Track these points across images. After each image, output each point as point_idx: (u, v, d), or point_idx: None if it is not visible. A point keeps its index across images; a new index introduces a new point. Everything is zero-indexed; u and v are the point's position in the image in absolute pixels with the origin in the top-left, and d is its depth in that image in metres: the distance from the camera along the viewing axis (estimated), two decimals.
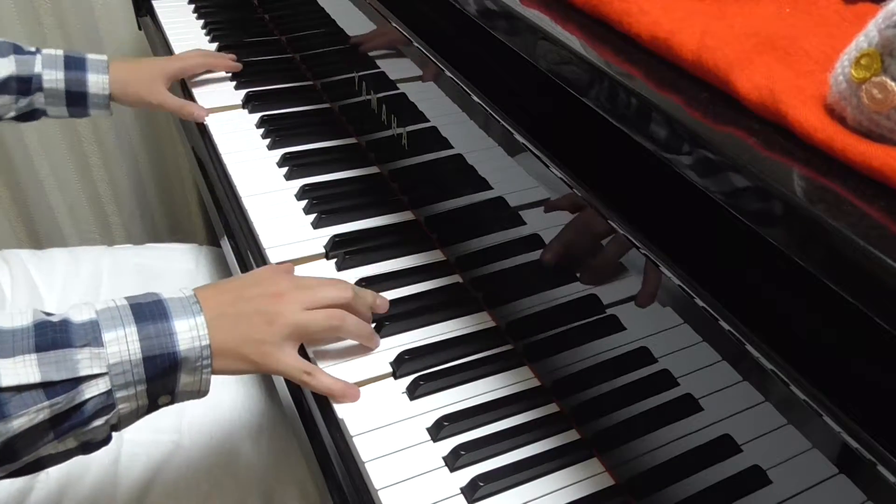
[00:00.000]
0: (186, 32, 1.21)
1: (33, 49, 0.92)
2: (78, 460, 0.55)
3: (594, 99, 0.48)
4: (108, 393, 0.53)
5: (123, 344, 0.53)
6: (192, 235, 1.71)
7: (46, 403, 0.50)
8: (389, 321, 0.70)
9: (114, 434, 0.57)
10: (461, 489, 0.58)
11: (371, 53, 0.86)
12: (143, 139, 1.54)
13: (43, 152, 1.46)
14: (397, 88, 0.81)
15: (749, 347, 0.41)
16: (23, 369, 0.50)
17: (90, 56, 0.95)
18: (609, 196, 0.51)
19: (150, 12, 1.28)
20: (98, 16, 1.37)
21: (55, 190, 1.51)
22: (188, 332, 0.56)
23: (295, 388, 0.70)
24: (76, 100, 0.94)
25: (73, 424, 0.52)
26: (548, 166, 0.56)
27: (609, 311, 0.56)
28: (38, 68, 0.91)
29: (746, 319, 0.42)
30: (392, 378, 0.66)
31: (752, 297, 0.42)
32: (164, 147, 1.57)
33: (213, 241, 1.17)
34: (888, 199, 0.35)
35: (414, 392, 0.64)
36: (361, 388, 0.64)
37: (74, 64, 0.93)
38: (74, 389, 0.51)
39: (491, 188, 0.69)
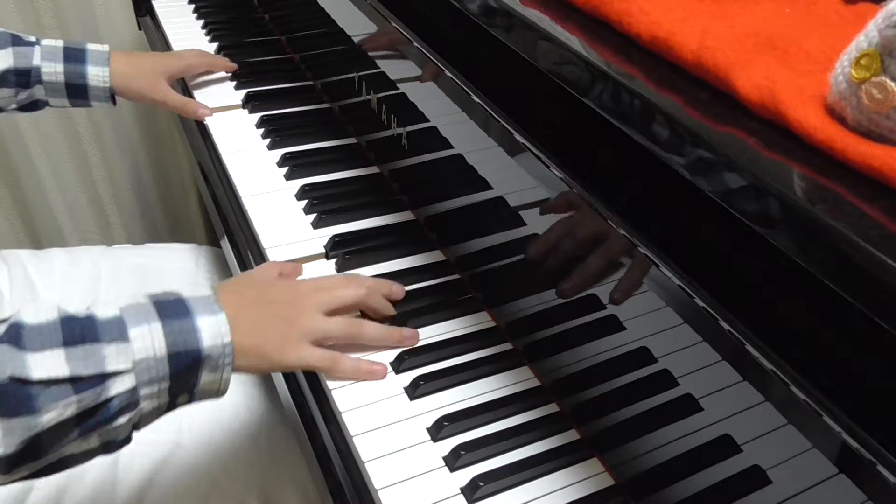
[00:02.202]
0: (186, 32, 1.21)
1: (33, 39, 0.91)
2: None
3: (594, 99, 0.48)
4: (133, 390, 0.52)
5: (148, 340, 0.53)
6: (192, 235, 1.71)
7: (74, 398, 0.50)
8: (389, 321, 0.70)
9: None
10: (461, 489, 0.58)
11: (371, 53, 0.86)
12: (143, 139, 1.54)
13: (43, 152, 1.45)
14: (397, 88, 0.81)
15: (749, 347, 0.41)
16: (52, 363, 0.49)
17: (90, 47, 0.93)
18: (609, 196, 0.51)
19: (150, 12, 1.28)
20: (98, 16, 1.37)
21: (55, 190, 1.51)
22: (211, 330, 0.56)
23: (295, 388, 0.70)
24: (77, 92, 0.93)
25: (99, 421, 0.52)
26: (548, 166, 0.56)
27: (609, 311, 0.56)
28: (36, 60, 0.89)
29: (746, 319, 0.42)
30: (392, 378, 0.66)
31: (752, 297, 0.42)
32: (164, 147, 1.57)
33: (213, 241, 1.17)
34: (888, 199, 0.35)
35: (414, 392, 0.64)
36: (361, 389, 0.65)
37: (74, 56, 0.92)
38: (101, 385, 0.51)
39: (491, 188, 0.69)
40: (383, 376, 0.65)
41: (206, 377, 0.57)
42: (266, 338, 0.61)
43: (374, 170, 0.92)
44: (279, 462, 0.83)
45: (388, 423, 0.62)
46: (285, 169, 0.91)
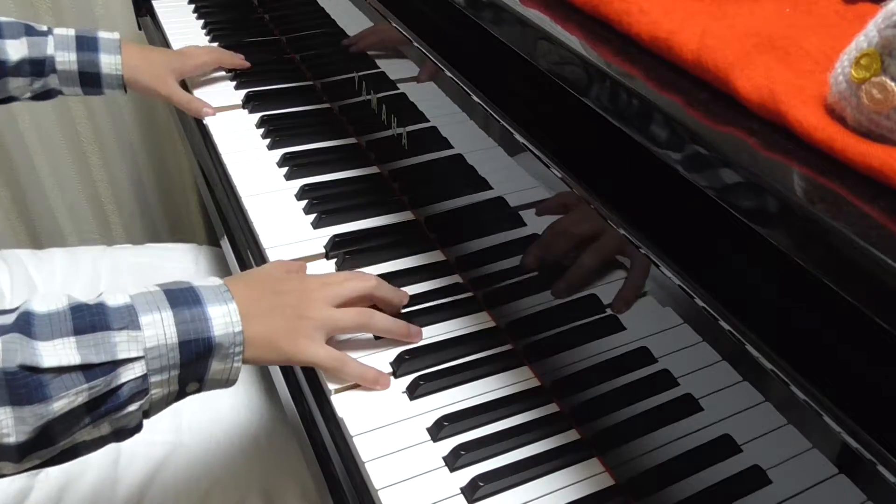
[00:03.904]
0: (186, 32, 1.21)
1: (45, 28, 0.91)
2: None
3: (594, 99, 0.48)
4: (144, 377, 0.53)
5: (160, 328, 0.53)
6: (191, 235, 1.71)
7: (85, 386, 0.50)
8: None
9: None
10: (461, 489, 0.58)
11: (371, 53, 0.86)
12: (143, 139, 1.54)
13: (43, 152, 1.45)
14: (397, 88, 0.81)
15: (749, 347, 0.41)
16: (63, 351, 0.50)
17: (101, 35, 0.94)
18: (609, 196, 0.51)
19: (150, 12, 1.28)
20: (98, 16, 1.37)
21: (55, 190, 1.51)
22: (222, 318, 0.56)
23: (295, 388, 0.70)
24: (90, 80, 0.94)
25: (109, 409, 0.52)
26: (548, 166, 0.56)
27: (609, 311, 0.56)
28: (50, 50, 0.90)
29: (746, 319, 0.42)
30: (392, 378, 0.66)
31: (752, 297, 0.42)
32: (164, 147, 1.57)
33: (213, 241, 1.17)
34: (888, 199, 0.35)
35: (414, 392, 0.64)
36: (361, 389, 0.65)
37: (87, 44, 0.92)
38: (112, 373, 0.51)
39: (491, 188, 0.69)
40: (387, 386, 0.65)
41: (216, 366, 0.57)
42: (276, 329, 0.61)
43: (374, 170, 0.92)
44: (279, 462, 0.83)
45: (388, 423, 0.62)
46: (285, 169, 0.91)
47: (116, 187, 1.57)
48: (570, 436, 0.62)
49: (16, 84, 0.90)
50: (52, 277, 0.97)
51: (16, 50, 0.88)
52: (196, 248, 1.09)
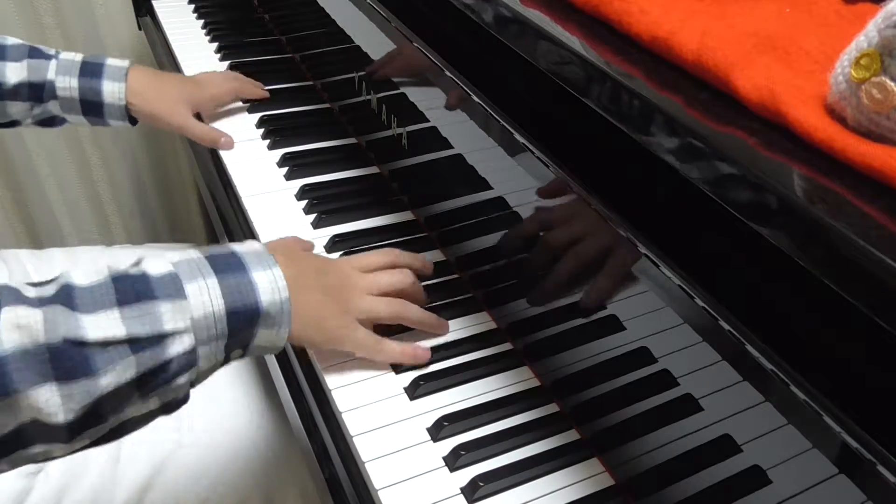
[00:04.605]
0: (186, 32, 1.21)
1: (52, 52, 0.87)
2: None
3: (594, 99, 0.48)
4: (192, 350, 0.51)
5: (206, 296, 0.52)
6: (191, 235, 1.71)
7: (133, 360, 0.48)
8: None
9: None
10: (461, 489, 0.58)
11: (371, 54, 0.86)
12: (143, 139, 1.54)
13: (43, 152, 1.45)
14: (397, 88, 0.81)
15: (749, 347, 0.41)
16: (107, 323, 0.48)
17: (109, 61, 0.88)
18: (609, 196, 0.51)
19: (150, 12, 1.28)
20: (98, 16, 1.37)
21: (55, 190, 1.51)
22: (268, 284, 0.55)
23: (295, 387, 0.70)
24: (92, 109, 0.88)
25: (159, 383, 0.50)
26: (548, 166, 0.56)
27: (609, 311, 0.56)
28: (51, 74, 0.85)
29: (746, 319, 0.42)
30: (392, 377, 0.66)
31: (752, 297, 0.42)
32: (164, 147, 1.57)
33: (213, 242, 1.17)
34: (888, 199, 0.35)
35: (414, 392, 0.64)
36: (361, 389, 0.65)
37: (90, 70, 0.87)
38: (160, 345, 0.49)
39: (491, 188, 0.69)
40: (427, 360, 0.66)
41: (262, 333, 0.56)
42: (324, 308, 0.61)
43: (374, 170, 0.92)
44: (279, 463, 0.83)
45: (388, 423, 0.62)
46: (285, 169, 0.91)
47: (116, 187, 1.57)
48: (570, 436, 0.62)
49: (15, 108, 0.85)
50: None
51: (15, 73, 0.84)
52: (196, 249, 1.09)
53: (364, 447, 0.60)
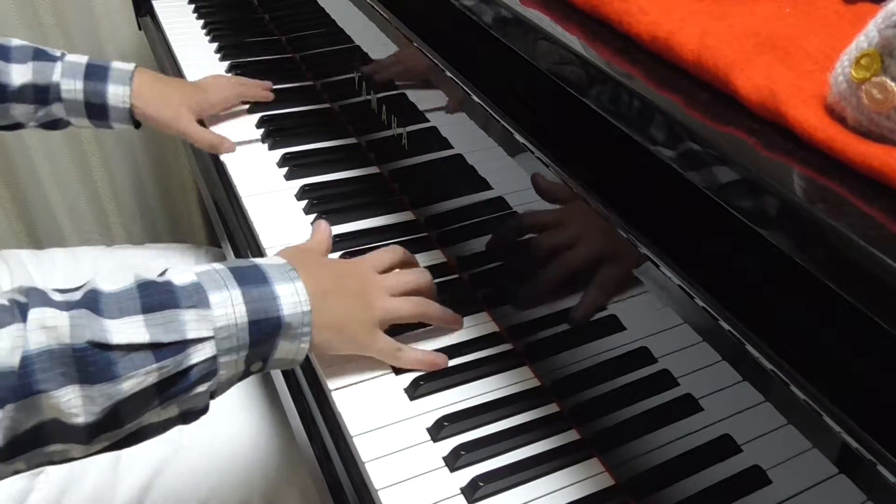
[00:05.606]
0: (186, 32, 1.21)
1: (57, 54, 0.87)
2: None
3: (594, 99, 0.48)
4: (213, 358, 0.52)
5: (229, 307, 0.52)
6: (192, 236, 1.71)
7: (155, 366, 0.49)
8: None
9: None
10: (461, 489, 0.58)
11: (371, 55, 0.86)
12: (143, 139, 1.54)
13: (43, 152, 1.45)
14: (397, 88, 0.81)
15: (749, 347, 0.41)
16: (131, 329, 0.49)
17: (114, 65, 0.89)
18: (609, 196, 0.51)
19: (150, 12, 1.28)
20: (98, 16, 1.37)
21: (55, 190, 1.51)
22: (290, 297, 0.56)
23: (295, 388, 0.70)
24: (96, 112, 0.88)
25: (179, 390, 0.51)
26: (548, 166, 0.56)
27: (609, 311, 0.56)
28: (56, 77, 0.85)
29: (746, 319, 0.42)
30: (392, 378, 0.66)
31: (752, 297, 0.42)
32: (164, 147, 1.57)
33: (213, 242, 1.18)
34: (888, 199, 0.35)
35: (414, 392, 0.64)
36: (361, 389, 0.65)
37: (95, 73, 0.87)
38: (182, 353, 0.50)
39: (491, 188, 0.69)
40: (446, 364, 0.66)
41: (283, 346, 0.56)
42: (346, 315, 0.61)
43: (374, 170, 0.92)
44: (280, 463, 0.83)
45: (388, 423, 0.62)
46: (285, 169, 0.91)
47: (116, 187, 1.57)
48: (570, 436, 0.62)
49: (20, 110, 0.85)
50: (52, 278, 0.97)
51: (20, 74, 0.84)
52: (196, 249, 1.09)
53: (364, 447, 0.60)
